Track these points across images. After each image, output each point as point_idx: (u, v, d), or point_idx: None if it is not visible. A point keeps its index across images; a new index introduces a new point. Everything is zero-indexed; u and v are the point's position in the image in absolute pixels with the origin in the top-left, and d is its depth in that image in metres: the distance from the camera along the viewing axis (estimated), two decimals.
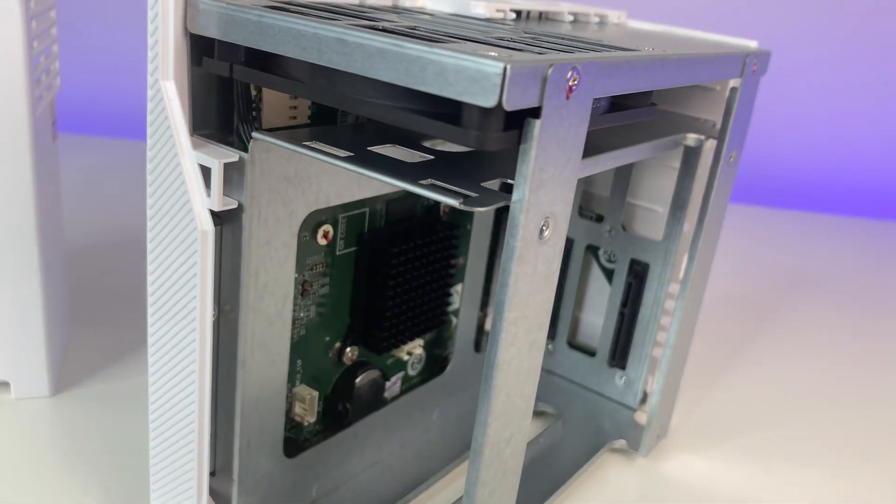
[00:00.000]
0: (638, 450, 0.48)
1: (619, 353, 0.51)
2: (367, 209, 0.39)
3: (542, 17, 0.42)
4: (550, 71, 0.23)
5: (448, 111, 0.25)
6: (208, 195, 0.29)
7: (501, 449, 0.29)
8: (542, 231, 0.26)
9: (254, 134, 0.28)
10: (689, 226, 0.47)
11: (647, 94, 0.32)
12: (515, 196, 0.25)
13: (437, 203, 0.43)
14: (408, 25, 0.28)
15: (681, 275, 0.48)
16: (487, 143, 0.23)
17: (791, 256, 0.89)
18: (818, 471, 0.48)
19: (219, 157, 0.28)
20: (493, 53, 0.23)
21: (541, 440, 0.47)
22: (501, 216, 0.48)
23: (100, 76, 1.05)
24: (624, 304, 0.50)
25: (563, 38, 0.31)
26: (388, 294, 0.39)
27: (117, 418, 0.45)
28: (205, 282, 0.29)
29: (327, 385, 0.40)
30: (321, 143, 0.28)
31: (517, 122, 0.24)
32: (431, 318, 0.44)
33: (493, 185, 0.27)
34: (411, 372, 0.46)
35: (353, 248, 0.39)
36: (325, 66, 0.25)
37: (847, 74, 1.10)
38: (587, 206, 0.52)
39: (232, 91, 0.30)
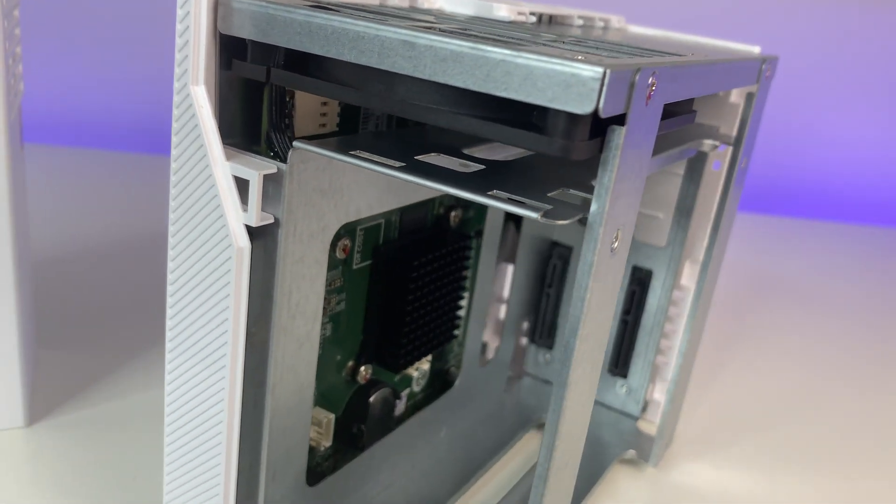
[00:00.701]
0: (648, 460, 0.47)
1: (622, 362, 0.50)
2: (382, 220, 0.37)
3: (552, 20, 0.41)
4: (637, 76, 0.22)
5: (518, 117, 0.23)
6: (244, 209, 0.27)
7: (562, 473, 0.28)
8: (613, 243, 0.25)
9: (295, 143, 0.26)
10: (693, 231, 0.47)
11: (690, 101, 0.32)
12: (594, 207, 0.23)
13: (448, 212, 0.42)
14: (457, 27, 0.27)
15: (683, 281, 0.48)
16: (573, 152, 0.22)
17: (783, 261, 0.91)
18: (826, 472, 0.49)
19: (258, 169, 0.26)
20: (580, 58, 0.21)
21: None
22: (508, 224, 0.47)
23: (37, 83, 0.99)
24: (627, 312, 0.49)
25: (611, 43, 0.30)
26: (406, 308, 0.37)
27: (100, 447, 0.42)
28: (239, 302, 0.27)
29: (339, 406, 0.38)
30: (370, 153, 0.26)
31: (599, 129, 0.22)
32: (444, 333, 0.42)
33: (557, 195, 0.25)
34: (416, 388, 0.45)
35: (367, 262, 0.37)
36: (383, 69, 0.23)
37: (825, 77, 1.12)
38: None
39: (260, 97, 0.28)
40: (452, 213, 0.42)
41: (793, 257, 0.93)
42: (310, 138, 0.29)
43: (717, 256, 0.43)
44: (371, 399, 0.39)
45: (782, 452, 0.50)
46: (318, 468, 0.37)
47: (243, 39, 0.26)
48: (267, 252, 0.28)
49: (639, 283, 0.49)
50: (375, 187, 0.32)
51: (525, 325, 0.53)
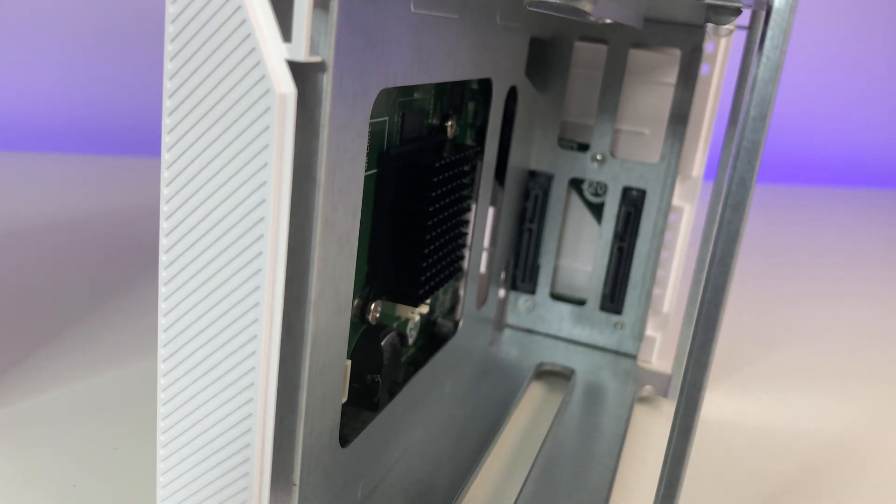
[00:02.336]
0: (667, 395, 0.43)
1: (617, 296, 0.46)
2: (386, 118, 0.30)
3: None
4: None
5: None
6: (284, 40, 0.19)
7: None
8: None
9: None
10: (691, 145, 0.43)
11: None
12: None
13: (443, 122, 0.35)
14: None
15: (675, 201, 0.44)
16: None
17: (780, 222, 0.90)
18: (840, 390, 0.46)
19: None
20: None
21: (568, 408, 0.40)
22: (507, 143, 0.41)
23: None
24: (621, 238, 0.45)
25: None
26: (427, 224, 0.31)
27: (26, 451, 0.32)
28: (281, 176, 0.19)
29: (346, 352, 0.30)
30: None
31: None
32: (456, 262, 0.35)
33: None
34: (408, 339, 0.38)
35: (372, 171, 0.30)
36: None
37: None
38: (566, 134, 0.46)
39: None
40: (449, 123, 0.35)
41: (788, 219, 0.93)
42: None
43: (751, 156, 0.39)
44: (383, 343, 0.32)
45: (788, 376, 0.48)
46: (345, 429, 0.30)
47: None
48: (308, 108, 0.20)
49: (632, 204, 0.44)
50: (409, 48, 0.25)
51: (502, 276, 0.47)
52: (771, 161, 1.09)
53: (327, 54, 0.20)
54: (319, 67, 0.20)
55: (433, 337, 0.41)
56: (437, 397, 0.37)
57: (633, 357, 0.47)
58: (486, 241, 0.44)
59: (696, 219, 0.76)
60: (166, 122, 0.20)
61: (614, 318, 0.46)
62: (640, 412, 0.41)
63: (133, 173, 0.83)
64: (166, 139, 0.20)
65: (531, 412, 0.40)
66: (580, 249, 0.47)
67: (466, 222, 0.36)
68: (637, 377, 0.44)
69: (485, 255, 0.45)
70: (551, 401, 0.42)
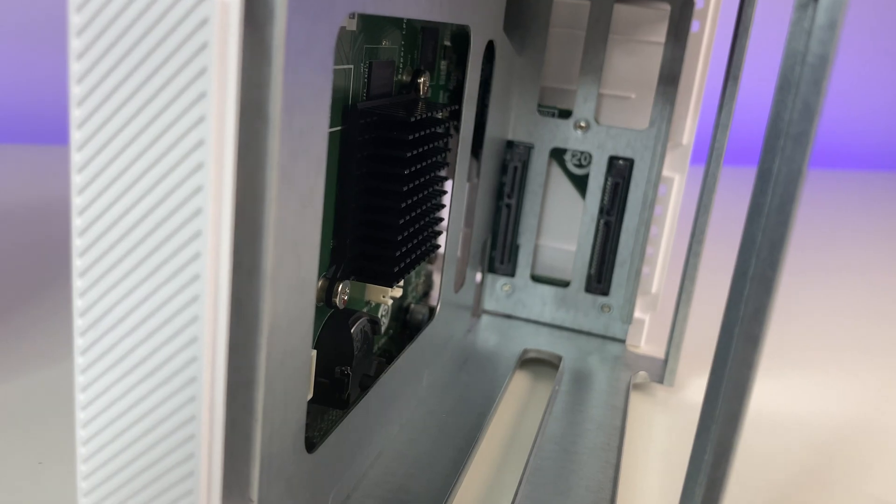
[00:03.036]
0: (662, 381, 0.39)
1: (604, 276, 0.42)
2: (351, 66, 0.26)
3: None
4: None
5: None
6: None
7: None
8: None
9: None
10: (681, 109, 0.40)
11: None
12: None
13: (414, 78, 0.31)
14: None
15: (665, 171, 0.41)
16: None
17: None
18: (828, 374, 0.43)
19: None
20: None
21: (560, 399, 0.36)
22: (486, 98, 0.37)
23: None
24: (608, 212, 0.41)
25: None
26: (402, 190, 0.26)
27: None
28: (223, 106, 0.15)
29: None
30: None
31: None
32: (432, 238, 0.31)
33: None
34: (381, 324, 0.34)
35: (337, 128, 0.25)
36: None
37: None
38: (546, 100, 0.42)
39: None
40: (421, 80, 0.31)
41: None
42: None
43: (727, 116, 0.36)
44: (353, 330, 0.27)
45: (777, 356, 0.45)
46: (311, 430, 0.25)
47: None
48: (257, 25, 0.16)
49: (619, 175, 0.41)
50: None
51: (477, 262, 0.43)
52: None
53: None
54: None
55: (406, 325, 0.37)
56: (413, 391, 0.33)
57: (622, 341, 0.43)
58: (463, 220, 0.40)
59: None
60: (74, 44, 0.16)
61: (601, 300, 0.43)
62: (635, 400, 0.38)
63: (45, 162, 0.77)
64: (75, 67, 0.16)
65: (519, 404, 0.36)
66: (563, 227, 0.43)
67: (443, 193, 0.32)
68: (628, 363, 0.40)
69: (461, 236, 0.41)
70: (539, 391, 0.38)
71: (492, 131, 0.39)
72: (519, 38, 0.41)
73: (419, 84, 0.31)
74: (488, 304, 0.45)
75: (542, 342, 0.42)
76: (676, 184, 0.41)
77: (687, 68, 0.39)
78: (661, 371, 0.39)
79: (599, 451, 0.31)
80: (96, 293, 0.17)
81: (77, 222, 0.17)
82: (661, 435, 0.35)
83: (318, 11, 0.18)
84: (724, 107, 0.35)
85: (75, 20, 0.15)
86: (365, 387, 0.29)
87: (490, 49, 0.36)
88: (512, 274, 0.44)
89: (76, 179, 0.16)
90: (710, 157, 0.36)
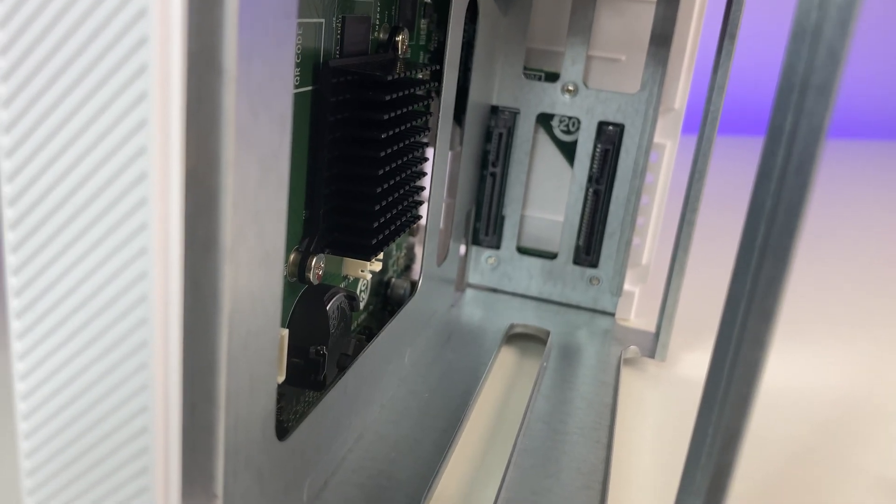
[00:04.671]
0: (653, 356, 0.38)
1: (593, 247, 0.41)
2: (322, 20, 0.24)
3: None
4: None
5: None
6: None
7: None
8: None
9: None
10: (673, 72, 0.38)
11: None
12: None
13: (392, 36, 0.29)
14: None
15: (657, 138, 0.39)
16: None
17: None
18: (818, 343, 0.42)
19: None
20: None
21: (548, 376, 0.35)
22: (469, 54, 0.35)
23: None
24: (597, 180, 0.39)
25: None
26: (380, 156, 0.24)
27: None
28: (167, 51, 0.13)
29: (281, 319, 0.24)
30: None
31: None
32: (412, 208, 0.29)
33: None
34: (360, 299, 0.32)
35: (308, 88, 0.23)
36: None
37: None
38: (532, 63, 0.40)
39: None
40: (399, 38, 0.29)
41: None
42: None
43: (721, 87, 0.34)
44: (328, 307, 0.26)
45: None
46: (280, 415, 0.24)
47: None
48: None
49: (608, 141, 0.39)
50: None
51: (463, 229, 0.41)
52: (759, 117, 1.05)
53: None
54: None
55: (387, 300, 0.35)
56: (395, 370, 0.31)
57: (612, 315, 0.42)
58: (445, 190, 0.39)
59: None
60: None
61: (589, 272, 0.41)
62: (626, 375, 0.36)
63: None
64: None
65: (505, 382, 0.35)
66: (550, 197, 0.42)
67: (424, 160, 0.30)
68: (619, 337, 0.39)
69: (444, 206, 0.39)
70: (526, 367, 0.37)
71: (475, 96, 0.37)
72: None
73: (397, 42, 0.29)
74: (473, 277, 0.43)
75: (529, 316, 0.40)
76: (668, 151, 0.39)
77: (680, 28, 0.37)
78: (653, 345, 0.38)
79: (590, 431, 0.30)
80: (31, 271, 0.15)
81: (6, 190, 0.15)
82: (653, 412, 0.33)
83: None
84: (720, 67, 0.33)
85: None
86: (342, 367, 0.27)
87: (473, 7, 0.34)
88: (497, 246, 0.42)
89: (3, 141, 0.14)
90: (705, 121, 0.34)
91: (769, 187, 0.17)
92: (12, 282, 0.15)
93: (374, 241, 0.25)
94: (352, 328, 0.28)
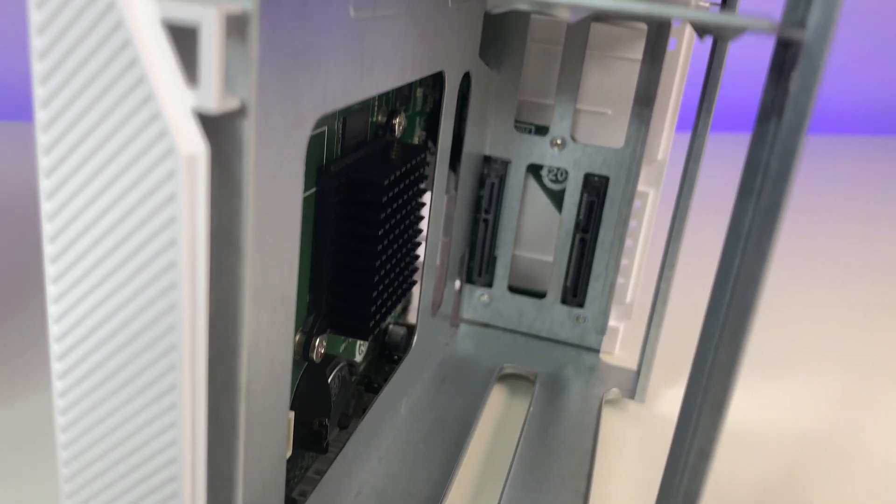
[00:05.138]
0: (633, 397, 0.40)
1: (579, 289, 0.43)
2: (325, 128, 0.26)
3: None
4: None
5: None
6: (189, 85, 0.15)
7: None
8: None
9: None
10: (656, 127, 0.40)
11: None
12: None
13: (389, 119, 0.31)
14: None
15: (640, 186, 0.41)
16: None
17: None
18: (795, 380, 0.45)
19: (214, 2, 0.14)
20: None
21: (534, 421, 0.37)
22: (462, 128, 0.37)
23: None
24: (584, 229, 0.42)
25: None
26: (377, 249, 0.27)
27: None
28: (194, 249, 0.15)
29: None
30: None
31: None
32: (409, 278, 0.32)
33: None
34: (358, 357, 0.34)
35: (311, 190, 0.26)
36: None
37: None
38: (523, 116, 0.42)
39: None
40: (396, 121, 0.31)
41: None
42: None
43: (699, 153, 0.36)
44: (330, 381, 0.28)
45: (748, 364, 0.46)
46: (288, 484, 0.26)
47: None
48: (225, 163, 0.16)
49: (594, 192, 0.41)
50: (350, 61, 0.21)
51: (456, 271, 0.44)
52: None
53: (248, 94, 0.16)
54: (238, 113, 0.16)
55: (385, 345, 0.38)
56: (392, 421, 0.34)
57: (597, 351, 0.44)
58: (441, 232, 0.41)
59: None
60: (44, 184, 0.16)
61: (576, 311, 0.44)
62: (608, 415, 0.39)
63: None
64: (46, 206, 0.16)
65: (495, 426, 0.38)
66: (540, 239, 0.44)
67: (420, 231, 0.32)
68: (601, 377, 0.41)
69: (440, 250, 0.41)
70: (515, 409, 0.39)
71: (469, 146, 0.39)
72: (495, 55, 0.40)
73: (394, 125, 0.31)
74: (466, 312, 0.46)
75: (518, 353, 0.43)
76: (651, 198, 0.42)
77: (663, 86, 0.39)
78: (633, 386, 0.40)
79: (569, 480, 0.32)
80: (71, 424, 0.17)
81: (58, 387, 0.17)
82: (630, 453, 0.36)
83: (287, 129, 0.18)
84: (696, 137, 0.35)
85: (45, 185, 0.15)
86: (344, 426, 0.30)
87: (466, 78, 0.36)
88: (490, 284, 0.45)
89: (55, 347, 0.17)
90: (682, 187, 0.36)
91: (727, 287, 0.19)
92: (59, 403, 0.18)
93: (371, 324, 0.28)
94: (351, 390, 0.31)
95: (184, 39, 0.15)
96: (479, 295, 0.45)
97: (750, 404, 0.41)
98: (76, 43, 0.15)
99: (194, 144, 0.15)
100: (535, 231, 0.44)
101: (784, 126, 0.16)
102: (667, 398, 0.41)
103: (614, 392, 0.40)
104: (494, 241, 0.44)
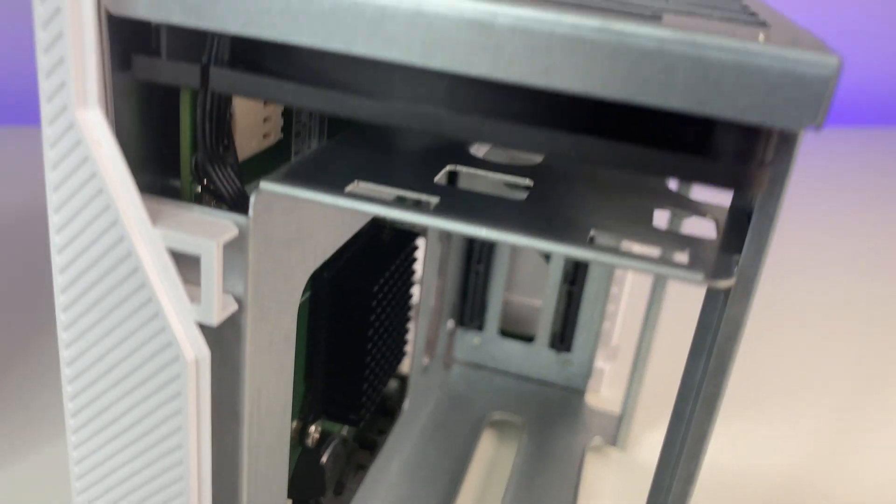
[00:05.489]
0: (615, 443, 0.43)
1: (567, 336, 0.45)
2: None
3: None
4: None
5: (650, 131, 0.15)
6: (192, 301, 0.17)
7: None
8: None
9: (262, 184, 0.17)
10: None
11: None
12: (747, 256, 0.16)
13: None
14: None
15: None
16: (749, 184, 0.14)
17: None
18: (779, 425, 0.47)
19: (212, 235, 0.16)
20: (762, 38, 0.14)
21: (519, 473, 0.40)
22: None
23: None
24: (572, 282, 0.44)
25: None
26: (366, 346, 0.29)
27: None
28: (198, 433, 0.17)
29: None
30: (372, 184, 0.17)
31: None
32: (398, 355, 0.34)
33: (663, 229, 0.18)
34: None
35: (305, 295, 0.27)
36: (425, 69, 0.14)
37: None
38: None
39: (169, 110, 0.18)
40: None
41: None
42: (254, 158, 0.20)
43: None
44: (324, 461, 0.30)
45: (729, 408, 0.48)
46: None
47: (147, 23, 0.16)
48: (225, 352, 0.18)
49: None
50: (339, 216, 0.23)
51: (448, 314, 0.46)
52: None
53: (244, 292, 0.17)
54: (238, 311, 0.18)
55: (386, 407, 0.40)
56: (384, 480, 0.36)
57: (583, 392, 0.46)
58: (436, 277, 0.43)
59: None
60: (67, 389, 0.18)
61: (564, 355, 0.46)
62: (590, 464, 0.41)
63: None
64: (69, 406, 0.18)
65: (482, 479, 0.40)
66: (530, 285, 0.46)
67: (410, 308, 0.34)
68: (585, 424, 0.43)
69: (434, 293, 0.43)
70: (502, 457, 0.41)
71: None
72: None
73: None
74: (459, 353, 0.48)
75: (507, 397, 0.45)
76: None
77: None
78: (616, 431, 0.43)
79: None
80: None
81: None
82: (610, 503, 0.38)
83: (280, 300, 0.20)
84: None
85: (68, 390, 0.17)
86: (339, 493, 0.32)
87: None
88: (481, 328, 0.47)
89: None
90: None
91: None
92: None
93: (362, 411, 0.30)
94: (345, 461, 0.33)
95: (188, 262, 0.16)
96: (471, 338, 0.47)
97: (729, 447, 0.44)
98: (90, 265, 0.16)
99: (198, 349, 0.17)
100: (526, 279, 0.46)
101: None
102: (649, 443, 0.43)
103: (597, 440, 0.42)
104: (486, 289, 0.45)
